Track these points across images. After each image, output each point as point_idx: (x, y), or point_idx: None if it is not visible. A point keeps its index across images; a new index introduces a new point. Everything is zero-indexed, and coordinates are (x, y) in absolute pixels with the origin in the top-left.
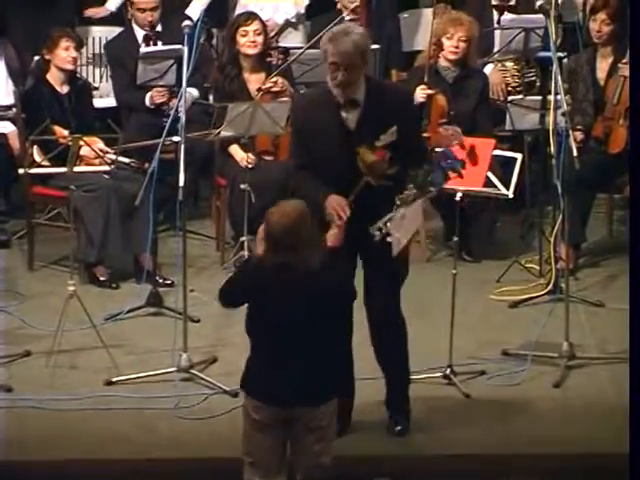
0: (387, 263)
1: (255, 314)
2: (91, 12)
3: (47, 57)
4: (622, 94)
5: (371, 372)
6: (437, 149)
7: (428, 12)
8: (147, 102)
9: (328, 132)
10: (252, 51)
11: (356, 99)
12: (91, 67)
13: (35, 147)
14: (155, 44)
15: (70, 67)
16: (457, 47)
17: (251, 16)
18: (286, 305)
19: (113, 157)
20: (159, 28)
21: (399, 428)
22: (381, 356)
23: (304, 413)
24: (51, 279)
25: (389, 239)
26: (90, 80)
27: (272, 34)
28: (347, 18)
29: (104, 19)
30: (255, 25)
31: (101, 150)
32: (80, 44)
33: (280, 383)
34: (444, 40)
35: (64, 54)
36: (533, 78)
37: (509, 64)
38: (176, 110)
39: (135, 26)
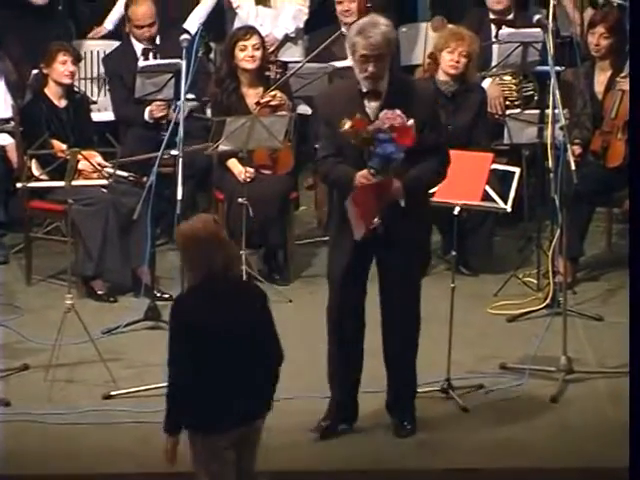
0: (401, 262)
1: (194, 348)
2: (92, 34)
3: (45, 71)
4: (620, 108)
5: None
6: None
7: (426, 26)
8: (146, 116)
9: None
10: (250, 65)
11: (379, 90)
12: (89, 81)
13: (33, 161)
14: (155, 57)
15: (67, 81)
16: (458, 62)
17: (250, 30)
18: (218, 326)
19: (111, 171)
20: (158, 41)
21: (409, 427)
22: (391, 354)
23: (253, 429)
24: (49, 293)
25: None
26: (88, 94)
27: (271, 49)
28: (345, 32)
29: (109, 34)
30: (254, 40)
31: (99, 164)
32: (78, 58)
33: (236, 402)
34: (444, 54)
35: (61, 68)
36: (531, 92)
37: (507, 78)
38: (174, 124)
39: (133, 40)
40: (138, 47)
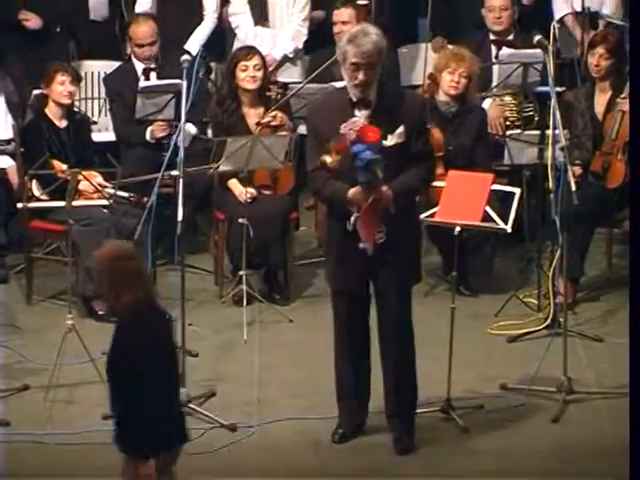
0: (392, 273)
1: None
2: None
3: (45, 92)
4: (620, 129)
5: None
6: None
7: (426, 47)
8: (148, 136)
9: (339, 126)
10: (252, 86)
11: (368, 99)
12: (90, 101)
13: (34, 181)
14: (159, 77)
15: (66, 101)
16: (458, 82)
17: (251, 51)
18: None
19: (112, 191)
20: (159, 60)
21: (408, 441)
22: (390, 371)
23: (176, 454)
24: (49, 313)
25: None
26: (88, 114)
27: (270, 69)
28: None
29: (101, 53)
30: (255, 60)
31: (100, 185)
32: (77, 78)
33: (167, 425)
34: (445, 75)
35: (60, 88)
36: (531, 113)
37: (507, 99)
38: (175, 144)
39: (134, 59)
40: (139, 67)
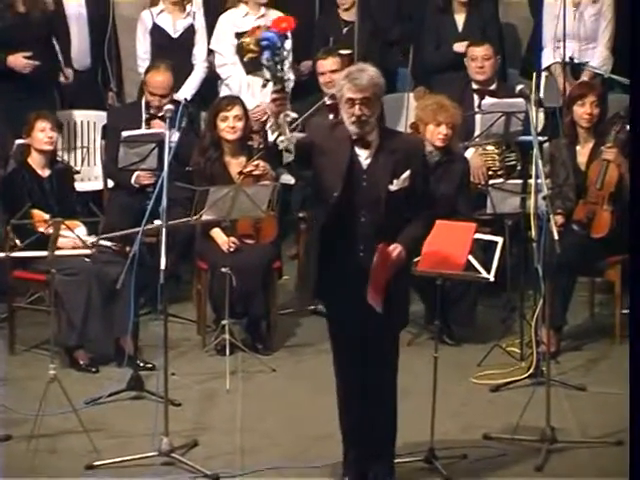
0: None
1: None
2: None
3: (27, 141)
4: (606, 178)
5: None
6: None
7: (407, 96)
8: (133, 181)
9: (339, 164)
10: (231, 136)
11: (368, 139)
12: (72, 151)
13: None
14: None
15: (48, 148)
16: (446, 134)
17: (232, 101)
18: None
19: (94, 240)
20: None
21: None
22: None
23: None
24: (32, 363)
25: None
26: (71, 164)
27: (264, 118)
28: (328, 102)
29: (83, 103)
30: (235, 111)
31: (79, 238)
32: (58, 125)
33: None
34: (430, 126)
35: (41, 135)
36: (514, 162)
37: (490, 148)
38: (158, 193)
39: (143, 102)
40: (145, 112)
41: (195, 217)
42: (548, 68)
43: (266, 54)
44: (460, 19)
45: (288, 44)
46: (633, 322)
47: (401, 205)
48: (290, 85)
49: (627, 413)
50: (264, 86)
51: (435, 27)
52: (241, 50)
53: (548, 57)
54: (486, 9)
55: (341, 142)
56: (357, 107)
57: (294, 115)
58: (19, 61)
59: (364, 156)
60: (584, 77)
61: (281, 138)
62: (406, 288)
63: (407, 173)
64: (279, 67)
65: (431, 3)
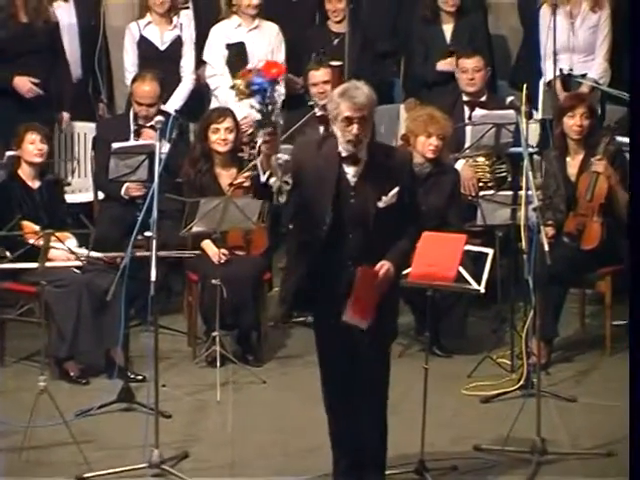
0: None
1: None
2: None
3: (17, 153)
4: (595, 190)
5: None
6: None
7: (399, 107)
8: (123, 192)
9: (327, 182)
10: (223, 148)
11: (359, 156)
12: (62, 162)
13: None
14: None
15: (38, 159)
16: (437, 146)
17: (224, 113)
18: None
19: (84, 252)
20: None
21: None
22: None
23: None
24: (22, 374)
25: None
26: (61, 175)
27: (250, 130)
28: (319, 114)
29: (74, 114)
30: (227, 123)
31: (70, 250)
32: (47, 137)
33: None
34: (421, 138)
35: (31, 147)
36: (504, 174)
37: (480, 159)
38: (149, 205)
39: (132, 113)
40: (133, 123)
41: (186, 229)
42: (549, 82)
43: (257, 97)
44: (448, 29)
45: (280, 88)
46: (633, 332)
47: (390, 221)
48: (280, 127)
49: (623, 423)
50: (262, 127)
51: (423, 38)
52: (233, 88)
53: (549, 70)
54: (474, 19)
55: (328, 160)
56: (355, 126)
57: (286, 157)
58: (25, 85)
59: (351, 173)
60: (583, 89)
61: (273, 179)
62: (395, 301)
63: (395, 190)
64: (269, 110)
65: (418, 14)
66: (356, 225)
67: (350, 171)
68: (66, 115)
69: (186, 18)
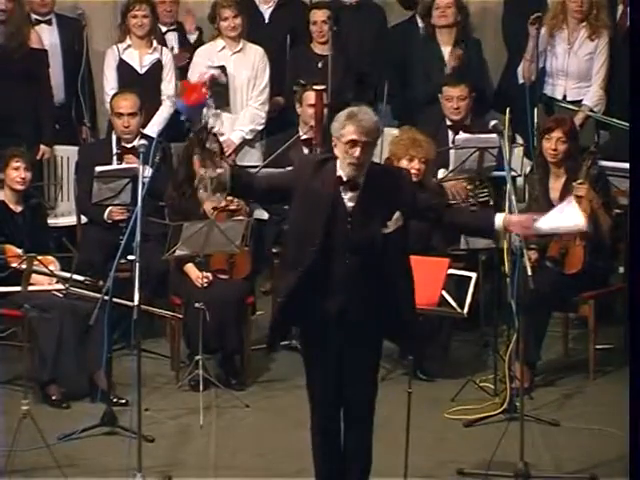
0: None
1: None
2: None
3: (0, 176)
4: None
5: None
6: None
7: (387, 131)
8: (105, 216)
9: (321, 204)
10: None
11: (358, 181)
12: (45, 186)
13: None
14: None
15: (19, 187)
16: (419, 170)
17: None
18: None
19: (67, 275)
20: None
21: None
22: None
23: None
24: (5, 398)
25: None
26: (45, 199)
27: (229, 152)
28: (304, 136)
29: (58, 138)
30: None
31: (53, 275)
32: (32, 165)
33: None
34: (404, 161)
35: (14, 174)
36: (486, 197)
37: (463, 183)
38: (132, 228)
39: (114, 137)
40: (115, 147)
41: (169, 252)
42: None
43: (187, 123)
44: (446, 51)
45: (209, 111)
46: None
47: (396, 244)
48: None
49: (607, 447)
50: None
51: (422, 59)
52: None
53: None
54: (470, 44)
55: (326, 183)
56: (359, 149)
57: (214, 175)
58: None
59: (348, 198)
60: (578, 116)
61: (201, 191)
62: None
63: (397, 214)
64: (201, 135)
65: (416, 36)
66: (353, 251)
67: (346, 196)
68: (46, 149)
69: (175, 41)
